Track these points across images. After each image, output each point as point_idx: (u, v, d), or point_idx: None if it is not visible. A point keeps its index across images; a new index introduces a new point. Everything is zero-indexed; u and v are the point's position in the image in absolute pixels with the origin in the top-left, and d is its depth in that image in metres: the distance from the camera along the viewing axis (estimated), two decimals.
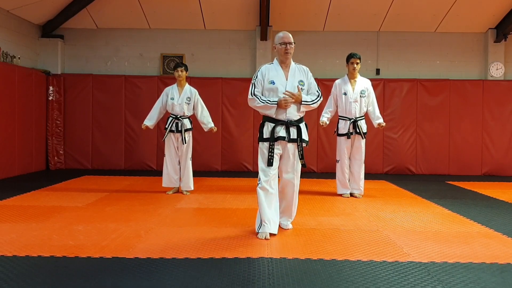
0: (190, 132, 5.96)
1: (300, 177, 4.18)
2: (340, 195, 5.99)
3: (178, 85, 5.92)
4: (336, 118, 6.04)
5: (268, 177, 3.84)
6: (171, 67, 8.80)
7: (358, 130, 5.81)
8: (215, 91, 8.72)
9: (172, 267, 3.02)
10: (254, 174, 7.92)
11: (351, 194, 5.96)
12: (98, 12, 8.74)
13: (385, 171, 8.79)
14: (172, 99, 5.84)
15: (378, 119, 5.91)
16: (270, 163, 3.84)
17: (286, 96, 3.82)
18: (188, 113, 5.90)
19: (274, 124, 3.87)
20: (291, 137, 3.89)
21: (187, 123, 5.87)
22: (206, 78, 8.80)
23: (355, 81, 5.88)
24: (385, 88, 8.79)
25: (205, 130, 6.06)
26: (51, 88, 8.66)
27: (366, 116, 5.96)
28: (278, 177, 4.03)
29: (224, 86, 8.71)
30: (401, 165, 8.78)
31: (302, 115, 3.97)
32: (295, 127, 3.90)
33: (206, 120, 5.97)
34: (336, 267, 3.06)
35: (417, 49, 9.11)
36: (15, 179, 7.28)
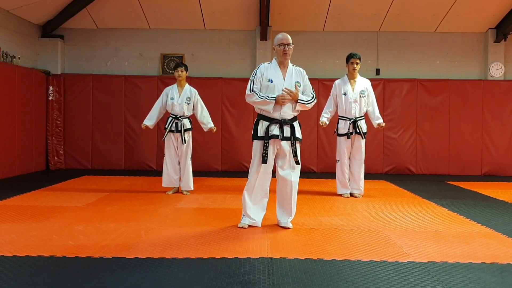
0: (190, 132, 5.96)
1: (300, 177, 4.21)
2: (340, 195, 5.99)
3: (178, 85, 5.92)
4: (336, 118, 6.04)
5: (258, 177, 4.04)
6: (171, 67, 8.81)
7: (358, 130, 5.81)
8: (215, 91, 8.73)
9: (172, 267, 3.02)
10: None
11: (351, 194, 5.96)
12: (98, 12, 8.74)
13: (385, 171, 8.79)
14: (172, 99, 5.84)
15: (377, 119, 5.91)
16: (264, 160, 3.99)
17: (285, 93, 3.95)
18: (188, 113, 5.90)
19: (268, 123, 4.01)
20: (284, 135, 4.01)
21: (187, 123, 5.87)
22: (206, 78, 8.80)
23: (355, 81, 5.88)
24: (385, 88, 8.79)
25: (205, 130, 6.06)
26: (51, 88, 8.66)
27: (366, 116, 5.96)
28: (274, 176, 4.12)
29: (224, 86, 8.71)
30: (401, 165, 8.78)
31: (296, 114, 4.11)
32: (289, 125, 4.03)
33: (206, 120, 5.97)
34: (336, 267, 3.06)
35: (417, 49, 9.11)
36: (15, 179, 7.28)
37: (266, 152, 3.98)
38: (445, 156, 8.76)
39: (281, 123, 4.00)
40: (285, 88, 3.96)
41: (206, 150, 8.71)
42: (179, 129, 5.81)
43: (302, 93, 4.11)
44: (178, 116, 5.84)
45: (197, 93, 5.97)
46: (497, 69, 8.90)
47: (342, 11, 8.62)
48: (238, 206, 5.22)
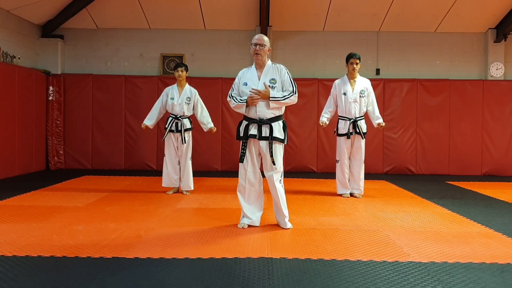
0: (190, 132, 5.96)
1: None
2: (340, 195, 5.99)
3: (178, 85, 5.92)
4: (336, 118, 6.04)
5: (245, 177, 4.10)
6: (171, 67, 8.81)
7: (358, 130, 5.80)
8: (215, 91, 8.73)
9: (172, 267, 3.02)
10: None
11: (351, 194, 5.96)
12: (98, 12, 8.74)
13: (385, 171, 8.79)
14: (172, 99, 5.84)
15: (377, 119, 5.90)
16: (241, 159, 4.09)
17: (252, 93, 4.00)
18: (188, 113, 5.90)
19: (247, 123, 4.08)
20: (262, 135, 4.03)
21: (186, 123, 5.88)
22: (206, 78, 8.80)
23: (355, 81, 5.88)
24: (385, 88, 8.79)
25: (205, 130, 6.06)
26: (51, 88, 8.66)
27: (366, 116, 5.96)
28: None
29: (224, 86, 8.70)
30: (401, 165, 8.78)
31: (276, 113, 4.06)
32: (267, 125, 4.03)
33: (206, 120, 5.97)
34: (336, 267, 3.06)
35: (417, 49, 9.11)
36: (15, 179, 7.28)
37: (244, 151, 4.06)
38: (445, 156, 8.76)
39: (259, 123, 4.03)
40: (252, 89, 3.99)
41: (206, 150, 8.72)
42: (179, 129, 5.81)
43: (282, 89, 4.06)
44: (178, 116, 5.84)
45: (197, 93, 5.97)
46: (497, 69, 8.90)
47: (342, 11, 8.62)
48: (238, 206, 5.21)
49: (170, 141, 5.90)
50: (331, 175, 7.65)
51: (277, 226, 4.20)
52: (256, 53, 4.07)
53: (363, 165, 5.95)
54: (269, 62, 4.17)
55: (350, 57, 5.83)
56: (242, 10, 8.65)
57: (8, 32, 7.84)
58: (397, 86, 8.80)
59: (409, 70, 9.11)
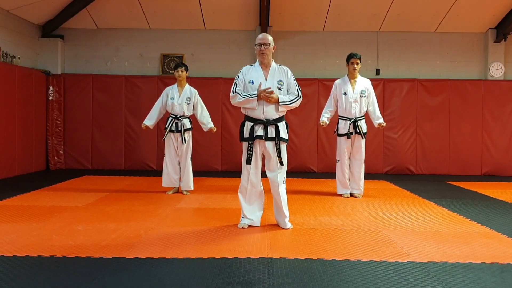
0: (190, 132, 5.96)
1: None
2: (340, 195, 5.99)
3: (178, 85, 5.92)
4: (336, 118, 6.04)
5: (248, 178, 4.08)
6: (171, 67, 8.81)
7: (358, 130, 5.80)
8: (215, 91, 8.73)
9: (172, 267, 3.02)
10: None
11: (351, 194, 5.96)
12: (98, 12, 8.74)
13: (385, 171, 8.79)
14: (172, 99, 5.84)
15: (378, 119, 5.90)
16: (248, 161, 4.05)
17: (266, 94, 3.93)
18: (188, 113, 5.90)
19: (253, 124, 4.04)
20: (268, 136, 4.03)
21: (187, 123, 5.88)
22: (206, 78, 8.80)
23: (355, 81, 5.88)
24: (385, 88, 8.79)
25: (205, 130, 6.06)
26: (51, 88, 8.66)
27: (366, 116, 5.96)
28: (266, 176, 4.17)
29: (224, 86, 8.71)
30: (401, 165, 8.78)
31: (281, 114, 4.10)
32: (273, 126, 4.03)
33: (206, 120, 5.98)
34: (336, 267, 3.06)
35: (417, 49, 9.11)
36: (15, 179, 7.28)
37: (251, 153, 4.03)
38: (445, 156, 8.76)
39: (265, 123, 4.01)
40: (268, 90, 3.93)
41: (206, 150, 8.71)
42: (179, 129, 5.81)
43: (287, 92, 4.10)
44: (178, 116, 5.84)
45: (197, 93, 5.98)
46: (497, 69, 8.90)
47: (342, 11, 8.62)
48: (238, 206, 5.21)
49: (170, 141, 5.90)
50: (331, 175, 7.65)
51: (277, 226, 4.20)
52: (261, 53, 4.05)
53: (363, 165, 5.95)
54: (273, 63, 4.16)
55: (350, 57, 5.83)
56: (242, 10, 8.65)
57: (8, 32, 7.84)
58: (397, 86, 8.80)
59: (409, 70, 9.11)
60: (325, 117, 5.88)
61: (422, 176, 8.52)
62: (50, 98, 8.67)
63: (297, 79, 4.32)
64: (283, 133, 4.08)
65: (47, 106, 8.64)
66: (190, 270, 2.96)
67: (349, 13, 8.67)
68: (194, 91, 5.95)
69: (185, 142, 5.82)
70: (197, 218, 4.56)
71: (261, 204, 4.24)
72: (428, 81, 8.81)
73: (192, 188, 5.99)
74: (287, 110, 4.17)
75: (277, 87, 4.02)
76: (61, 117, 8.76)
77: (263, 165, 4.17)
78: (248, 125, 4.07)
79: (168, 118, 5.90)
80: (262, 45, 4.05)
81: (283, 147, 4.09)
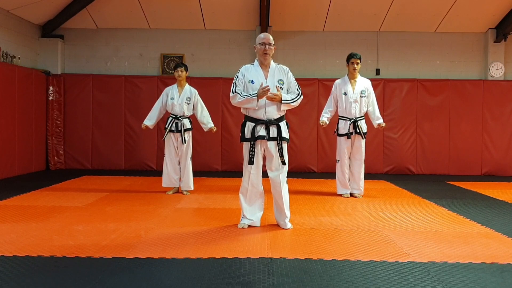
0: (190, 132, 5.96)
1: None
2: (340, 195, 5.99)
3: (178, 85, 5.92)
4: (336, 118, 6.04)
5: (249, 179, 4.09)
6: (171, 67, 8.81)
7: (358, 130, 5.80)
8: (215, 91, 8.73)
9: (172, 267, 3.02)
10: None
11: (351, 194, 5.96)
12: (98, 12, 8.74)
13: (385, 171, 8.79)
14: (172, 99, 5.84)
15: (378, 120, 5.90)
16: (251, 161, 4.05)
17: (270, 95, 3.93)
18: (188, 113, 5.90)
19: (254, 124, 4.02)
20: (270, 136, 4.03)
21: (187, 123, 5.88)
22: (206, 78, 8.80)
23: (355, 81, 5.88)
24: (385, 88, 8.79)
25: (205, 130, 6.06)
26: (51, 88, 8.66)
27: (366, 116, 5.96)
28: (266, 176, 4.16)
29: (224, 86, 8.71)
30: (401, 165, 8.78)
31: (282, 114, 4.11)
32: (275, 126, 4.03)
33: (206, 120, 5.98)
34: (336, 267, 3.06)
35: (417, 49, 9.11)
36: (15, 179, 7.28)
37: (253, 153, 4.03)
38: (445, 156, 8.76)
39: (267, 123, 4.01)
40: (271, 92, 3.93)
41: (206, 150, 8.71)
42: (179, 129, 5.81)
43: (287, 91, 4.11)
44: (178, 116, 5.84)
45: (197, 93, 5.98)
46: (497, 69, 8.90)
47: (342, 11, 8.62)
48: (238, 206, 5.21)
49: (170, 141, 5.90)
50: (331, 175, 7.65)
51: (277, 226, 4.20)
52: (265, 53, 4.05)
53: (363, 165, 5.95)
54: (272, 62, 4.17)
55: (350, 57, 5.83)
56: (242, 10, 8.65)
57: (8, 32, 7.84)
58: (397, 86, 8.80)
59: (409, 70, 9.11)
60: (325, 117, 5.87)
61: (422, 176, 8.52)
62: (50, 98, 8.67)
63: (297, 79, 4.32)
64: (285, 133, 4.09)
65: (47, 106, 8.64)
66: (190, 270, 2.96)
67: (349, 13, 8.66)
68: (194, 91, 5.95)
69: (185, 142, 5.82)
70: (197, 218, 4.56)
71: (262, 204, 4.24)
72: (428, 81, 8.81)
73: (192, 188, 5.99)
74: (287, 110, 4.17)
75: (278, 87, 4.02)
76: (61, 117, 8.76)
77: (263, 165, 4.17)
78: (249, 125, 4.06)
79: (168, 118, 5.90)
80: (266, 45, 4.04)
81: (285, 146, 4.10)
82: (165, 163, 5.94)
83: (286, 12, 8.68)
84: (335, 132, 6.02)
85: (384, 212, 4.96)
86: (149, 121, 5.93)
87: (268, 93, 3.92)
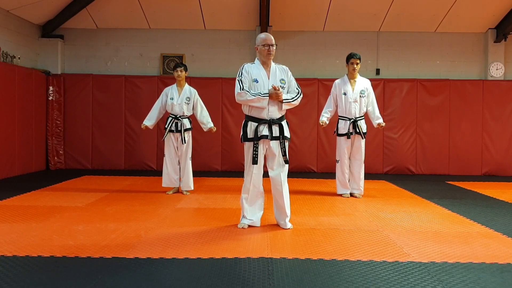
0: (190, 132, 5.96)
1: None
2: (340, 195, 5.99)
3: (177, 85, 5.92)
4: (336, 118, 6.04)
5: (251, 179, 4.09)
6: (171, 67, 8.80)
7: (358, 130, 5.80)
8: (215, 91, 8.73)
9: (172, 267, 3.02)
10: None
11: (351, 194, 5.96)
12: (98, 12, 8.74)
13: (385, 171, 8.79)
14: (172, 99, 5.84)
15: (377, 119, 5.90)
16: (254, 161, 4.05)
17: (276, 92, 3.96)
18: (188, 113, 5.90)
19: (257, 124, 4.03)
20: (273, 135, 4.04)
21: (186, 123, 5.88)
22: (206, 78, 8.80)
23: (355, 81, 5.88)
24: (385, 88, 8.79)
25: (205, 130, 6.06)
26: (51, 88, 8.66)
27: (366, 116, 5.96)
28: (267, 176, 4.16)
29: (224, 86, 8.71)
30: (401, 165, 8.78)
31: (283, 113, 4.13)
32: (277, 125, 4.05)
33: (206, 120, 5.98)
34: (336, 267, 3.06)
35: (417, 49, 9.11)
36: (15, 179, 7.28)
37: (256, 153, 4.03)
38: (445, 156, 8.76)
39: (269, 123, 4.02)
40: (276, 87, 3.96)
41: (206, 150, 8.71)
42: (179, 129, 5.81)
43: (287, 90, 4.13)
44: (178, 116, 5.84)
45: (196, 93, 5.98)
46: (497, 69, 8.90)
47: (342, 11, 8.62)
48: (238, 206, 5.21)
49: (170, 141, 5.90)
50: (331, 175, 7.65)
51: (277, 226, 4.20)
52: (269, 53, 4.06)
53: (363, 165, 5.95)
54: (271, 62, 4.18)
55: (350, 57, 5.83)
56: (242, 10, 8.65)
57: (8, 32, 7.84)
58: (397, 86, 8.80)
59: (409, 70, 9.11)
60: (324, 117, 5.87)
61: (422, 176, 8.52)
62: (50, 98, 8.67)
63: (297, 79, 4.33)
64: (287, 132, 4.12)
65: (47, 106, 8.64)
66: (190, 270, 2.96)
67: (349, 13, 8.66)
68: (194, 91, 5.95)
69: (185, 142, 5.82)
70: (197, 218, 4.56)
71: (262, 204, 4.24)
72: (428, 81, 8.81)
73: (192, 188, 5.99)
74: (286, 110, 4.18)
75: (280, 86, 4.04)
76: (61, 117, 8.76)
77: (264, 165, 4.17)
78: (251, 125, 4.06)
79: (168, 118, 5.90)
80: (270, 46, 4.05)
81: (287, 145, 4.12)
82: (165, 163, 5.94)
83: (286, 12, 8.68)
84: (335, 132, 6.02)
85: (384, 212, 4.96)
86: (149, 121, 5.93)
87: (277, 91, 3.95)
